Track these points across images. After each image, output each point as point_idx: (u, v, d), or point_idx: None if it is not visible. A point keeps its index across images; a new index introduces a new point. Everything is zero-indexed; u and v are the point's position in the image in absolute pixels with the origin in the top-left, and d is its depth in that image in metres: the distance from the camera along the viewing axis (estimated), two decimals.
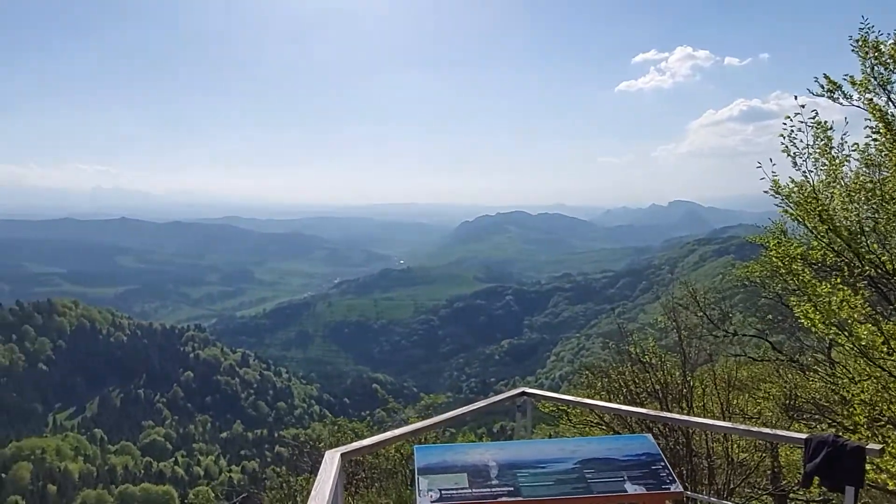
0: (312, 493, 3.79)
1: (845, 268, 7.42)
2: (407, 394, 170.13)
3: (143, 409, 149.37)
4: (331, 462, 4.30)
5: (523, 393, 6.41)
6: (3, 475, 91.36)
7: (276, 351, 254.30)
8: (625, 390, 10.23)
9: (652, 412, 7.54)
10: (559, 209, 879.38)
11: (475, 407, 6.29)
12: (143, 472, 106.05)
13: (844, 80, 7.39)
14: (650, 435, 5.11)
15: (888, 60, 7.12)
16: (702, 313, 12.05)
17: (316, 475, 4.20)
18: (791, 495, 10.50)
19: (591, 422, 10.40)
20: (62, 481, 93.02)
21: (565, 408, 10.53)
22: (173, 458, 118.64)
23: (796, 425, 10.05)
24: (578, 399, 7.65)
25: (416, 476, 4.41)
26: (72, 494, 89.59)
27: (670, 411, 9.13)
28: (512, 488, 4.31)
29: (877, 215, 7.44)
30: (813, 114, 7.38)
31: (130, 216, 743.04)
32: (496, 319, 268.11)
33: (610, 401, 9.81)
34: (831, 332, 7.16)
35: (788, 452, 10.00)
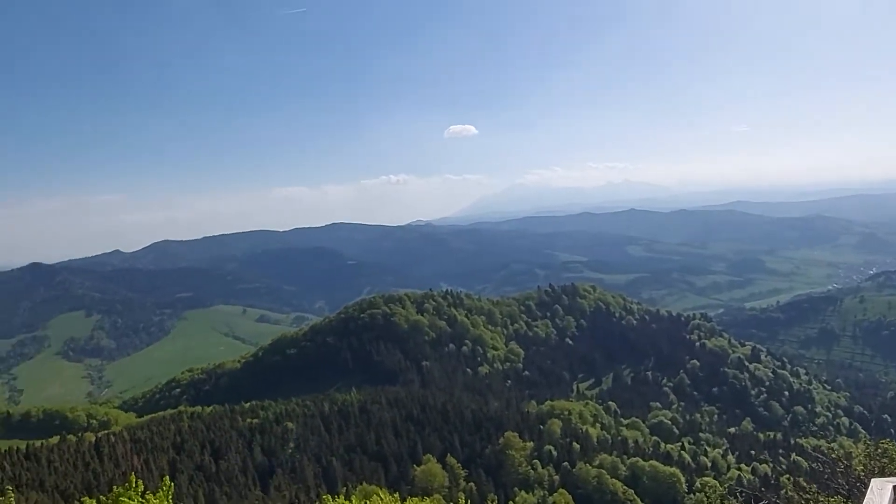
0: None
1: None
2: None
3: (651, 390, 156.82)
4: (880, 494, 3.31)
5: None
6: (542, 427, 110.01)
7: (792, 348, 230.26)
8: None
9: None
10: None
11: None
12: (651, 449, 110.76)
13: None
14: None
15: None
16: None
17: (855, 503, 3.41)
18: None
19: None
20: (584, 442, 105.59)
21: None
22: (680, 443, 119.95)
23: None
24: None
25: None
26: (591, 455, 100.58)
27: None
28: None
29: None
30: None
31: (639, 207, 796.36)
32: None
33: None
34: None
35: None
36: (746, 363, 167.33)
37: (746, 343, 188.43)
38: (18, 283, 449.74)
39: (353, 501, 23.43)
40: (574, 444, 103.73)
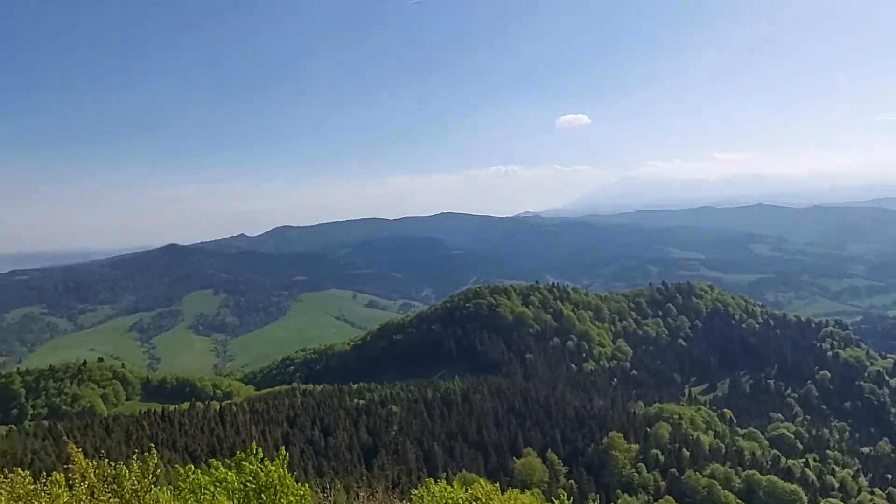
0: None
1: None
2: None
3: (772, 399, 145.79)
4: None
5: None
6: (648, 430, 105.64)
7: None
8: None
9: None
10: None
11: None
12: (769, 463, 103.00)
13: None
14: None
15: None
16: None
17: None
18: None
19: None
20: (694, 449, 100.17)
21: None
22: (803, 459, 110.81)
23: None
24: None
25: None
26: (702, 463, 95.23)
27: None
28: None
29: None
30: None
31: (767, 202, 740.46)
32: None
33: None
34: None
35: None
36: (886, 377, 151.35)
37: (888, 355, 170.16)
38: (158, 263, 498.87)
39: (455, 487, 23.43)
40: (683, 450, 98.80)
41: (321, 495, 24.63)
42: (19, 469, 13.19)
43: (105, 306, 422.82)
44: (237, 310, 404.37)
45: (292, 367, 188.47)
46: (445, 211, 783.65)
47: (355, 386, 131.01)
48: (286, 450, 18.30)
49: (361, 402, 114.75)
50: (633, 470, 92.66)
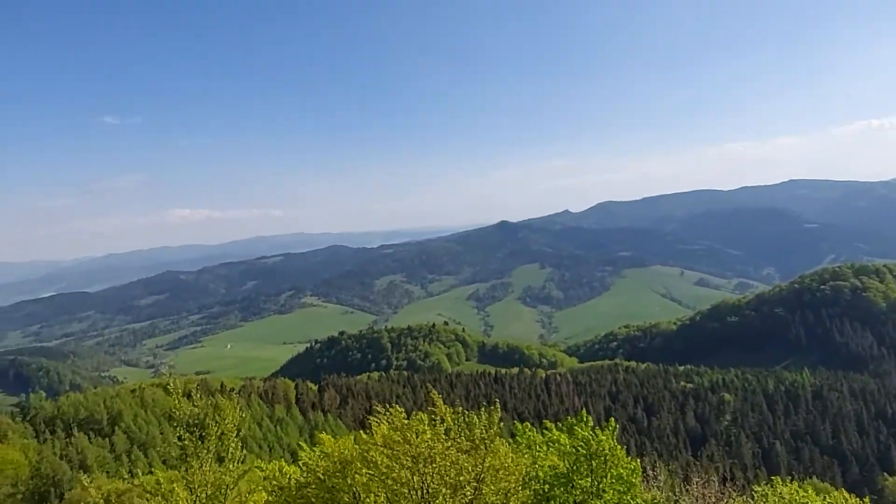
0: None
1: None
2: None
3: None
4: None
5: None
6: None
7: None
8: None
9: None
10: None
11: None
12: None
13: None
14: None
15: None
16: None
17: None
18: None
19: None
20: None
21: None
22: None
23: None
24: None
25: None
26: None
27: None
28: None
29: None
30: None
31: None
32: None
33: None
34: None
35: None
36: None
37: None
38: (492, 238, 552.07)
39: (809, 492, 20.36)
40: None
41: (650, 472, 24.13)
42: (397, 406, 16.05)
43: (449, 277, 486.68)
44: (562, 284, 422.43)
45: (615, 343, 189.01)
46: (794, 178, 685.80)
47: (681, 368, 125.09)
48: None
49: (689, 385, 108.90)
50: None
